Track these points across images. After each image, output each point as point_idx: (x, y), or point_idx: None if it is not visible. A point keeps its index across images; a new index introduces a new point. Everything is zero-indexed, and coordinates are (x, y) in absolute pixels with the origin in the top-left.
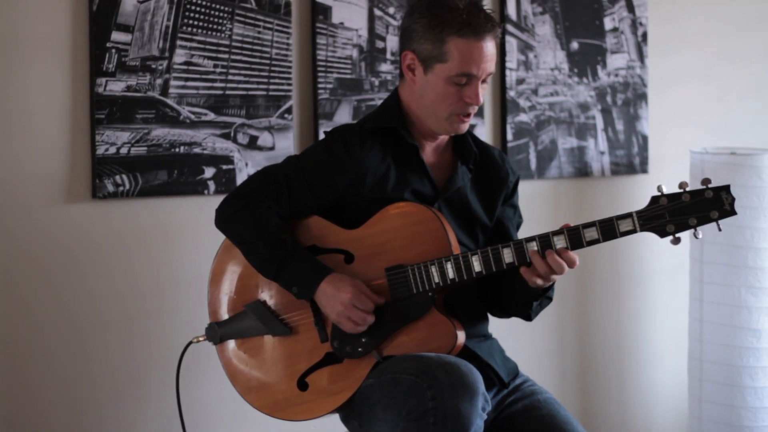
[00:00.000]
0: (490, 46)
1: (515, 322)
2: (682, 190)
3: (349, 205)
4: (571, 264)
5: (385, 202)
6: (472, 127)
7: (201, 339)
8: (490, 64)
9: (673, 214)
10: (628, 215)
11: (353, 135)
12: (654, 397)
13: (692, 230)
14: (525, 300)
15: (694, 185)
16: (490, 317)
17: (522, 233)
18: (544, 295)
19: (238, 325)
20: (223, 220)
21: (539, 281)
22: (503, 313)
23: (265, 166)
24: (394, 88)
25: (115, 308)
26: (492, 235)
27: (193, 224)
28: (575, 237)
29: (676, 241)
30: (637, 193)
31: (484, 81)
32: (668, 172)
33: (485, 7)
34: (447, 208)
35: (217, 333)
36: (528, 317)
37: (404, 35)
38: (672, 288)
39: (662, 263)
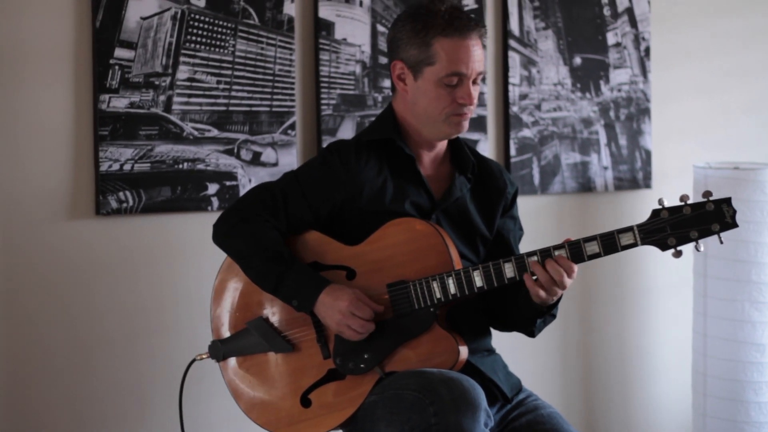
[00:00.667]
0: (476, 45)
1: (518, 336)
2: (683, 203)
3: (348, 219)
4: (569, 271)
5: (384, 214)
6: (476, 142)
7: (204, 356)
8: (479, 64)
9: (675, 227)
10: (629, 229)
11: (349, 149)
12: (658, 413)
13: (694, 243)
14: (529, 316)
15: (696, 199)
16: (493, 332)
17: (525, 248)
18: (548, 312)
19: (241, 342)
20: (220, 235)
21: (542, 293)
22: (506, 328)
23: (262, 182)
24: (388, 102)
25: (119, 325)
26: (492, 248)
27: (196, 241)
28: (576, 251)
29: (678, 254)
30: (641, 208)
31: (475, 82)
32: (671, 187)
33: (465, 10)
34: (445, 219)
35: (220, 350)
36: (531, 334)
37: (391, 46)
38: (675, 303)
39: (665, 278)
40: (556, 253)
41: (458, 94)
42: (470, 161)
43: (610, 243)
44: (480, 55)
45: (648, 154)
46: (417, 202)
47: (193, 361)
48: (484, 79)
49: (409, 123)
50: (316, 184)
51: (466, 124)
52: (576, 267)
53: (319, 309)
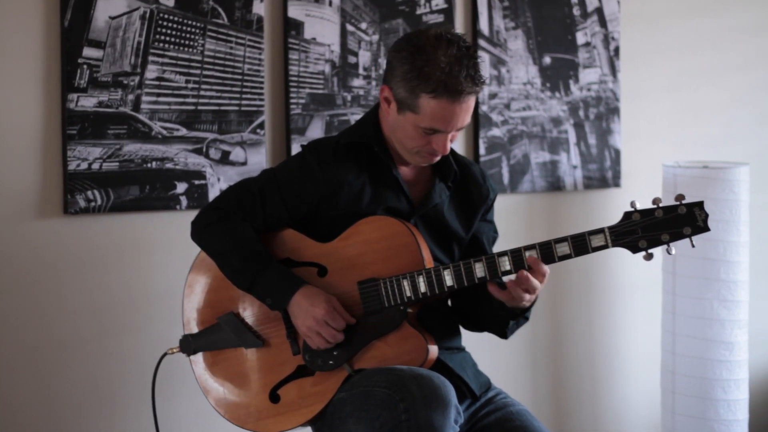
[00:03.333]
0: (464, 106)
1: (488, 335)
2: (655, 206)
3: (324, 219)
4: (542, 274)
5: (360, 217)
6: None
7: (175, 351)
8: (463, 119)
9: (646, 229)
10: (600, 230)
11: (328, 149)
12: (627, 410)
13: (665, 246)
14: (502, 318)
15: (667, 199)
16: (463, 330)
17: (495, 248)
18: (521, 315)
19: (212, 337)
20: (198, 232)
21: (517, 302)
22: (478, 329)
23: (240, 180)
24: (375, 105)
25: (89, 323)
26: (466, 250)
27: (165, 240)
28: (547, 252)
29: (649, 257)
30: (610, 207)
31: (458, 129)
32: (641, 186)
33: (472, 59)
34: (422, 224)
35: (191, 345)
36: (504, 335)
37: (387, 68)
38: (645, 301)
39: (635, 276)
40: (527, 253)
41: (434, 140)
42: (452, 170)
43: (581, 244)
44: (468, 112)
45: (617, 153)
46: (395, 208)
47: (165, 355)
48: None
49: (389, 134)
50: (294, 183)
51: (435, 160)
52: (547, 270)
53: (293, 309)
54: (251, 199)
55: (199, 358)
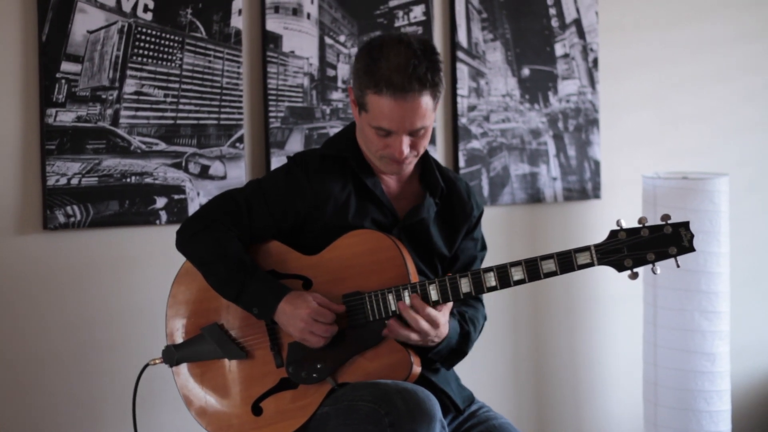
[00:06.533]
0: (412, 106)
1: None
2: (641, 225)
3: (310, 231)
4: (431, 319)
5: (346, 229)
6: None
7: (158, 361)
8: (414, 121)
9: (632, 248)
10: (586, 248)
11: (314, 160)
12: (610, 422)
13: (650, 265)
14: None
15: (647, 210)
16: None
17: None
18: (430, 351)
19: (195, 348)
20: (183, 242)
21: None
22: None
23: (227, 190)
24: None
25: (69, 339)
26: (449, 267)
27: (145, 254)
28: (533, 269)
29: (634, 276)
30: (590, 219)
31: (414, 134)
32: (621, 198)
33: (427, 59)
34: (406, 237)
35: (173, 355)
36: (430, 363)
37: (351, 70)
38: (626, 313)
39: (616, 288)
40: (513, 270)
41: (389, 143)
42: (439, 186)
43: (566, 262)
44: (417, 113)
45: (597, 164)
46: (379, 220)
47: (147, 366)
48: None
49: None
50: (280, 195)
51: (404, 168)
52: (439, 316)
53: (280, 317)
54: (237, 210)
55: (181, 369)
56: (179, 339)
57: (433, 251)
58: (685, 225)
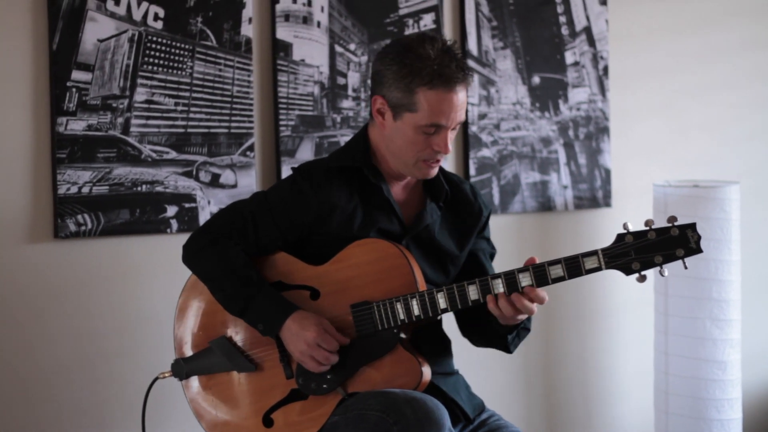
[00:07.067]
0: (461, 96)
1: (481, 357)
2: (647, 228)
3: (317, 242)
4: (540, 302)
5: (352, 240)
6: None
7: (167, 375)
8: (460, 113)
9: (639, 251)
10: (594, 253)
11: (319, 172)
12: (621, 431)
13: (658, 268)
14: (502, 333)
15: (658, 218)
16: (455, 353)
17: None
18: (520, 327)
19: (204, 361)
20: (189, 256)
21: (508, 321)
22: (483, 344)
23: (232, 202)
24: (363, 126)
25: (79, 348)
26: (465, 267)
27: (155, 263)
28: (541, 274)
29: (642, 278)
30: (601, 227)
31: (453, 128)
32: (631, 206)
33: (457, 53)
34: (415, 245)
35: (183, 369)
36: (507, 349)
37: (375, 79)
38: (637, 321)
39: (627, 297)
40: (520, 276)
41: (434, 141)
42: (443, 189)
43: (574, 266)
44: (463, 104)
45: (607, 172)
46: (387, 230)
47: (156, 379)
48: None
49: (382, 153)
50: (286, 207)
51: (434, 171)
52: (545, 296)
53: (284, 335)
54: (243, 223)
55: (191, 383)
56: (188, 352)
57: (444, 256)
58: (692, 226)
